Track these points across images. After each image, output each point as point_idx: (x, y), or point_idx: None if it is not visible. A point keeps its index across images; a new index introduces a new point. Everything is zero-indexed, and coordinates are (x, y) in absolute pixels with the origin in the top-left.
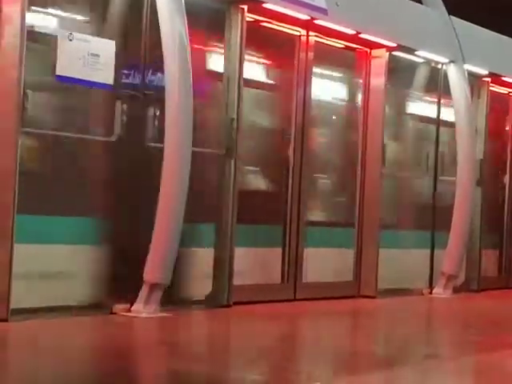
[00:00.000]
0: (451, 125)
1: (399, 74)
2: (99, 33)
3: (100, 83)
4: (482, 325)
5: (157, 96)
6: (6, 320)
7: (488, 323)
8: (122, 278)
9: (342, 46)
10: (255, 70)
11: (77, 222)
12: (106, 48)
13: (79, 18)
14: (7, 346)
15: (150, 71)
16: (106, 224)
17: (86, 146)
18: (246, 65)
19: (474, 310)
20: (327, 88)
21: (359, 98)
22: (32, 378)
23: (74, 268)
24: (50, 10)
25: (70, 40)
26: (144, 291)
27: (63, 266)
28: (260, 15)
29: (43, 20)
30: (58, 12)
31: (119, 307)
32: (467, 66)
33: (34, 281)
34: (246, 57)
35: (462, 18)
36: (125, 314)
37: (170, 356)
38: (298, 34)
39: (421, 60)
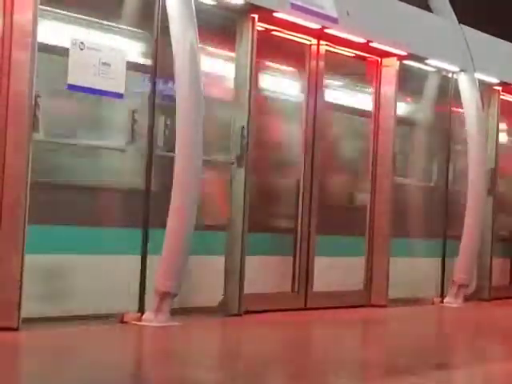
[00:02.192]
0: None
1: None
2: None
3: (111, 92)
4: (493, 334)
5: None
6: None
7: (499, 332)
8: None
9: (353, 54)
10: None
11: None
12: (117, 57)
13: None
14: (21, 355)
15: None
16: None
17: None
18: None
19: (486, 319)
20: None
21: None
22: None
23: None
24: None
25: (81, 49)
26: (155, 300)
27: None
28: (271, 24)
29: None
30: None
31: (130, 316)
32: (478, 75)
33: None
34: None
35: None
36: (136, 322)
37: (182, 365)
38: (308, 43)
39: (431, 69)
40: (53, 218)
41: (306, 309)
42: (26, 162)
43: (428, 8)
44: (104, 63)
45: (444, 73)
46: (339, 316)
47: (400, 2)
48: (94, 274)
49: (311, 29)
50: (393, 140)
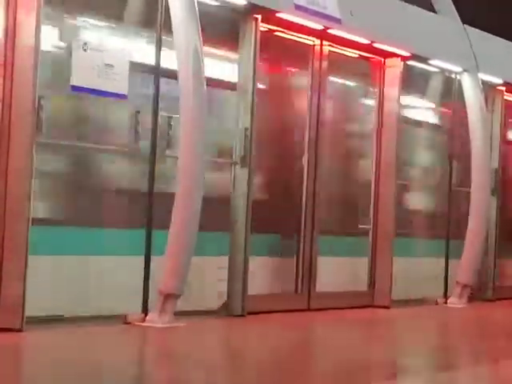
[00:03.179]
0: None
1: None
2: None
3: (114, 93)
4: (496, 334)
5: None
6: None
7: (503, 332)
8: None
9: (356, 55)
10: None
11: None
12: (120, 58)
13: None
14: (24, 356)
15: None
16: None
17: None
18: None
19: (489, 320)
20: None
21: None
22: None
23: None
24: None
25: (85, 50)
26: (159, 301)
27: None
28: (274, 25)
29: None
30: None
31: (134, 317)
32: (481, 75)
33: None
34: None
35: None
36: (139, 323)
37: (186, 366)
38: (311, 43)
39: (435, 69)
40: None
41: (309, 310)
42: (31, 164)
43: (432, 8)
44: (107, 64)
45: (447, 73)
46: (343, 316)
47: (403, 3)
48: None
49: (314, 29)
50: (396, 140)
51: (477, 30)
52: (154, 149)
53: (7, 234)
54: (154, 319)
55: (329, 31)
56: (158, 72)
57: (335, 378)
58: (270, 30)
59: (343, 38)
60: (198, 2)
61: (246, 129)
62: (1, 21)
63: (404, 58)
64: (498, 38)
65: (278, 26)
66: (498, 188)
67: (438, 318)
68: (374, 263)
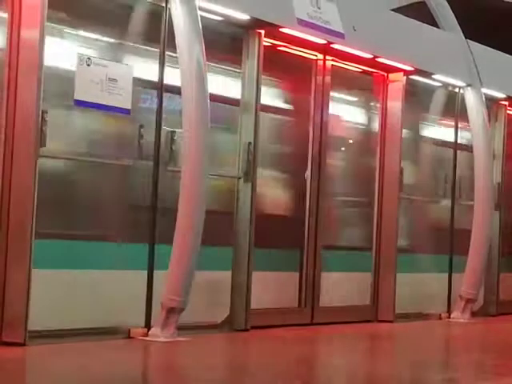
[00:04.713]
0: None
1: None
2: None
3: (118, 108)
4: (500, 349)
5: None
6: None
7: (506, 347)
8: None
9: (359, 70)
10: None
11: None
12: (124, 73)
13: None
14: (27, 370)
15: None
16: None
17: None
18: None
19: (493, 334)
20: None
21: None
22: None
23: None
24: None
25: (88, 65)
26: (161, 315)
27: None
28: (277, 40)
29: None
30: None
31: (137, 331)
32: (484, 90)
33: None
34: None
35: None
36: (142, 338)
37: (188, 381)
38: (314, 58)
39: (438, 84)
40: None
41: (312, 324)
42: (34, 178)
43: (435, 23)
44: (111, 79)
45: (450, 88)
46: (346, 331)
47: (406, 18)
48: None
49: (317, 44)
50: (399, 155)
51: (480, 44)
52: (156, 163)
53: (11, 247)
54: (157, 333)
55: (332, 46)
56: (161, 87)
57: None
58: (273, 45)
59: (346, 53)
60: (201, 17)
61: (249, 143)
62: (5, 36)
63: (407, 73)
64: (500, 52)
65: (281, 41)
66: (501, 202)
67: (441, 333)
68: (377, 278)
